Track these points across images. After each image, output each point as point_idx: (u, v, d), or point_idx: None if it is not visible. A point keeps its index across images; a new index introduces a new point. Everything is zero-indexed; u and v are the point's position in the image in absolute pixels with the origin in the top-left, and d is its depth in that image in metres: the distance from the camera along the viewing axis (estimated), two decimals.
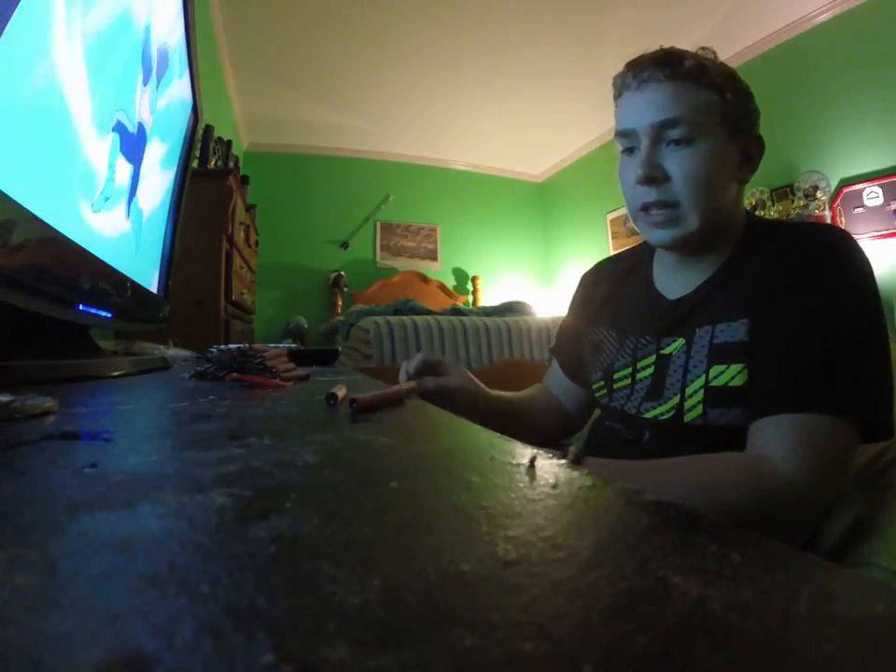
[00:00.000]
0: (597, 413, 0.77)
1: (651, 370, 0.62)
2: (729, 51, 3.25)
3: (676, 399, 0.58)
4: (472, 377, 0.78)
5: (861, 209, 2.77)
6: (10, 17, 0.39)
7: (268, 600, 0.10)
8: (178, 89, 1.03)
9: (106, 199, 0.69)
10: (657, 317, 0.65)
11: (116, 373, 0.63)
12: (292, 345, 1.84)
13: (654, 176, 0.58)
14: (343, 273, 4.61)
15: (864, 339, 0.51)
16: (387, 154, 5.03)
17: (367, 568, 0.11)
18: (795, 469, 0.46)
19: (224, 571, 0.11)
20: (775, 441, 0.49)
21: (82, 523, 0.13)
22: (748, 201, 2.99)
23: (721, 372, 0.56)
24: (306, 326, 4.08)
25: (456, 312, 3.00)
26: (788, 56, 3.20)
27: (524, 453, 0.23)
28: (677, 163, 0.57)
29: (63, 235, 0.53)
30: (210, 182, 1.97)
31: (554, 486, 0.19)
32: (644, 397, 0.62)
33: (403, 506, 0.16)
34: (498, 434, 0.28)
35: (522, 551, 0.13)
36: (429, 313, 2.85)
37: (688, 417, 0.57)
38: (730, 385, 0.55)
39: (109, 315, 0.69)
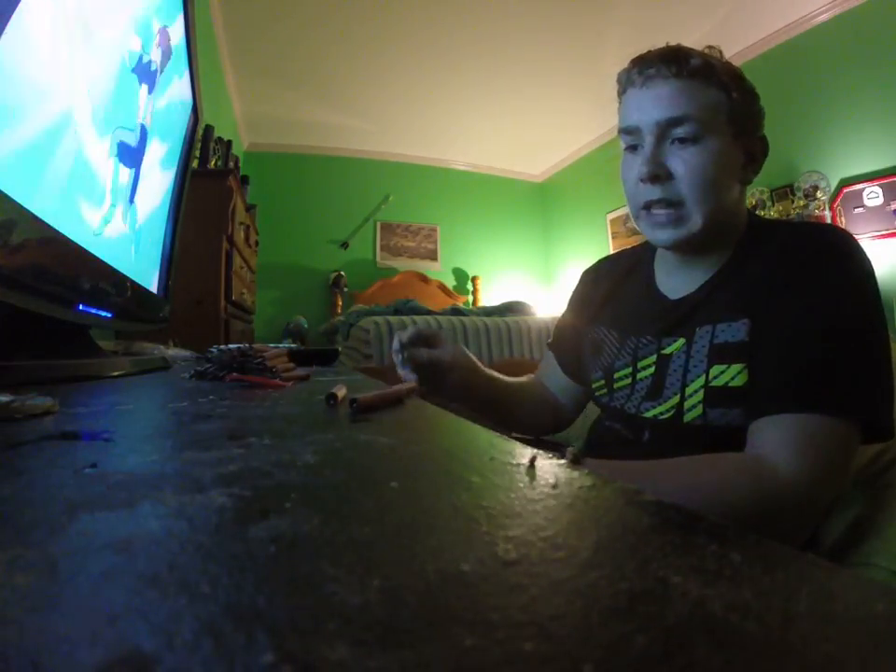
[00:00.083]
0: (595, 411, 0.76)
1: (652, 369, 0.62)
2: (729, 51, 3.23)
3: (676, 399, 0.58)
4: (467, 351, 0.77)
5: (860, 209, 2.77)
6: (10, 17, 0.39)
7: (268, 600, 0.10)
8: (178, 89, 1.03)
9: (107, 222, 0.69)
10: (658, 317, 0.64)
11: (116, 373, 0.63)
12: (292, 345, 1.84)
13: (658, 174, 0.57)
14: (342, 272, 4.61)
15: (865, 339, 0.51)
16: (387, 154, 5.03)
17: (367, 568, 0.11)
18: (796, 469, 0.46)
19: (224, 571, 0.11)
20: (775, 441, 0.49)
21: (82, 523, 0.13)
22: (748, 201, 2.99)
23: (722, 372, 0.56)
24: (306, 326, 4.08)
25: (456, 312, 3.00)
26: (788, 56, 3.20)
27: (524, 453, 0.23)
28: (682, 161, 0.57)
29: (63, 235, 0.53)
30: (210, 182, 1.97)
31: (554, 486, 0.19)
32: (644, 396, 0.62)
33: (403, 506, 0.16)
34: (498, 434, 0.28)
35: (522, 551, 0.13)
36: (429, 313, 2.85)
37: (688, 417, 0.57)
38: (730, 384, 0.55)
39: (109, 315, 0.69)
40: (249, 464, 0.20)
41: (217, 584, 0.10)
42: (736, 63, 0.61)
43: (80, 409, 0.35)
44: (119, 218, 0.75)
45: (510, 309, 3.17)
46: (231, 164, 2.68)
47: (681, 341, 0.60)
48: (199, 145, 2.03)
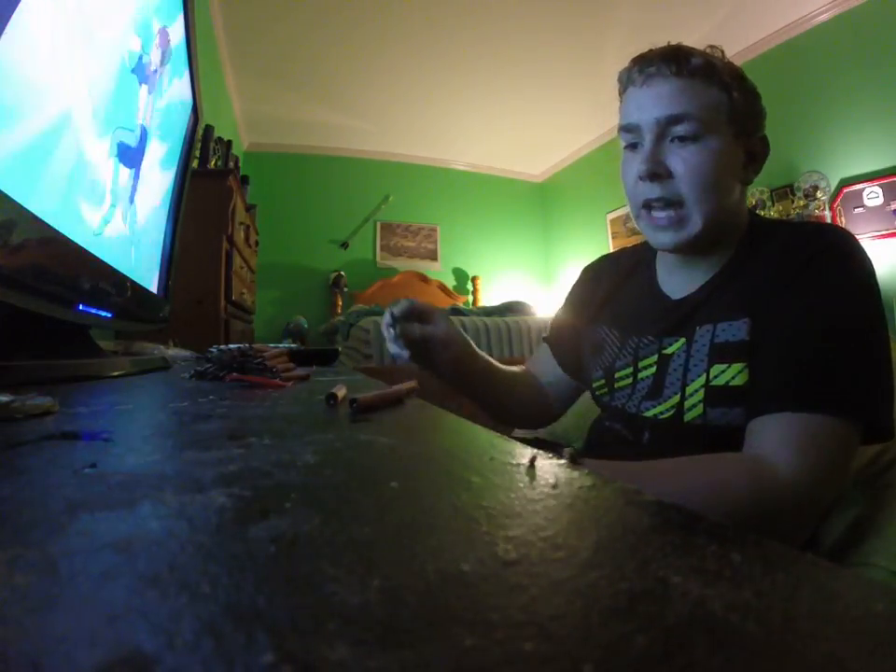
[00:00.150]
0: (595, 411, 0.76)
1: (653, 369, 0.62)
2: (729, 51, 3.21)
3: (676, 399, 0.58)
4: (460, 329, 0.74)
5: (861, 209, 2.77)
6: (10, 17, 0.39)
7: (268, 600, 0.10)
8: (178, 89, 1.03)
9: (107, 222, 0.69)
10: (660, 317, 0.64)
11: (116, 373, 0.63)
12: (292, 345, 1.84)
13: (658, 172, 0.57)
14: (342, 272, 4.61)
15: (865, 339, 0.51)
16: (387, 154, 5.03)
17: (367, 568, 0.11)
18: (796, 469, 0.46)
19: (224, 571, 0.11)
20: (775, 440, 0.49)
21: (82, 523, 0.13)
22: (748, 201, 2.98)
23: (722, 372, 0.55)
24: (306, 326, 4.08)
25: (456, 312, 3.00)
26: (788, 56, 3.20)
27: (524, 453, 0.23)
28: (682, 160, 0.56)
29: (63, 235, 0.53)
30: (210, 182, 1.97)
31: (554, 486, 0.19)
32: (644, 396, 0.62)
33: (403, 506, 0.16)
34: (498, 434, 0.28)
35: (522, 551, 0.13)
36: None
37: (688, 417, 0.57)
38: (731, 384, 0.55)
39: (109, 315, 0.69)
40: (249, 464, 0.20)
41: (216, 584, 0.10)
42: (736, 63, 0.61)
43: (80, 409, 0.35)
44: (119, 219, 0.75)
45: (510, 309, 3.17)
46: (231, 164, 2.68)
47: (682, 340, 0.60)
48: (199, 145, 2.03)
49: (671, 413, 0.59)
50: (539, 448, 0.25)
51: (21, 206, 0.44)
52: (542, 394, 0.84)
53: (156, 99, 0.86)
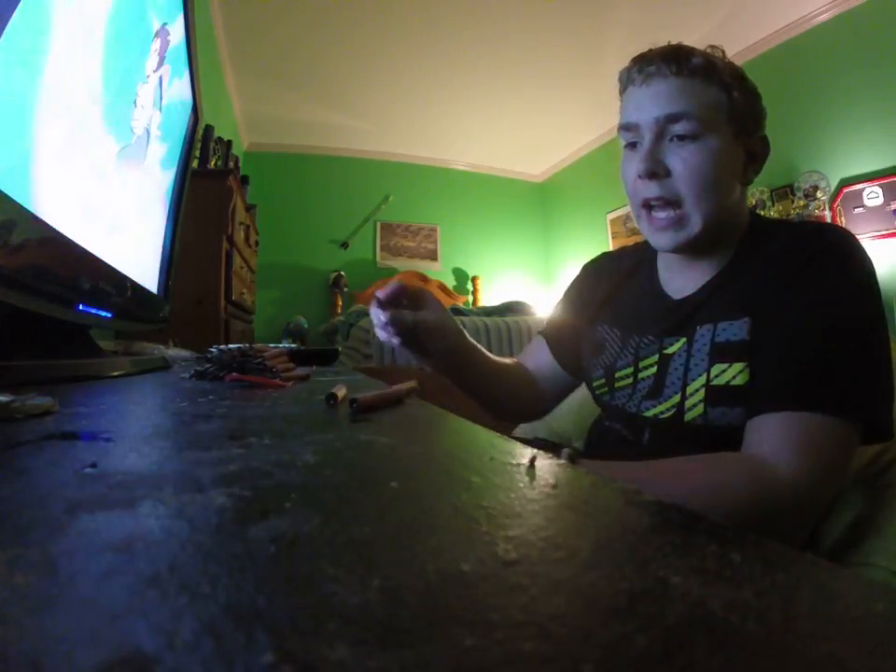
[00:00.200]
0: (595, 411, 0.76)
1: (654, 369, 0.62)
2: (729, 51, 3.21)
3: (676, 398, 0.58)
4: (452, 316, 0.71)
5: (861, 209, 2.77)
6: (10, 17, 0.39)
7: (268, 600, 0.10)
8: (178, 89, 1.03)
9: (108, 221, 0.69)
10: (660, 317, 0.64)
11: (116, 373, 0.63)
12: (292, 345, 1.84)
13: (656, 171, 0.57)
14: (342, 272, 4.61)
15: (865, 339, 0.51)
16: (387, 154, 5.03)
17: (367, 568, 0.11)
18: (795, 469, 0.46)
19: (224, 571, 0.11)
20: (774, 439, 0.49)
21: (82, 523, 0.13)
22: (747, 201, 2.99)
23: (723, 371, 0.55)
24: (306, 326, 4.08)
25: (456, 312, 3.00)
26: (788, 56, 3.20)
27: (524, 453, 0.23)
28: (680, 159, 0.56)
29: (63, 235, 0.53)
30: (210, 182, 1.97)
31: (554, 486, 0.19)
32: (645, 396, 0.62)
33: (403, 506, 0.16)
34: (498, 434, 0.28)
35: (522, 551, 0.13)
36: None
37: (688, 416, 0.57)
38: (731, 384, 0.55)
39: (109, 315, 0.69)
40: (249, 464, 0.20)
41: (216, 584, 0.10)
42: (736, 62, 0.61)
43: (80, 409, 0.35)
44: (120, 218, 0.75)
45: (510, 309, 3.17)
46: (231, 164, 2.69)
47: (682, 340, 0.60)
48: (199, 145, 2.03)
49: (671, 412, 0.59)
50: (539, 448, 0.25)
51: (21, 206, 0.44)
52: (534, 387, 0.83)
53: (156, 99, 0.86)
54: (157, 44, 0.84)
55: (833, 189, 2.92)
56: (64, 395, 0.37)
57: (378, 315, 0.63)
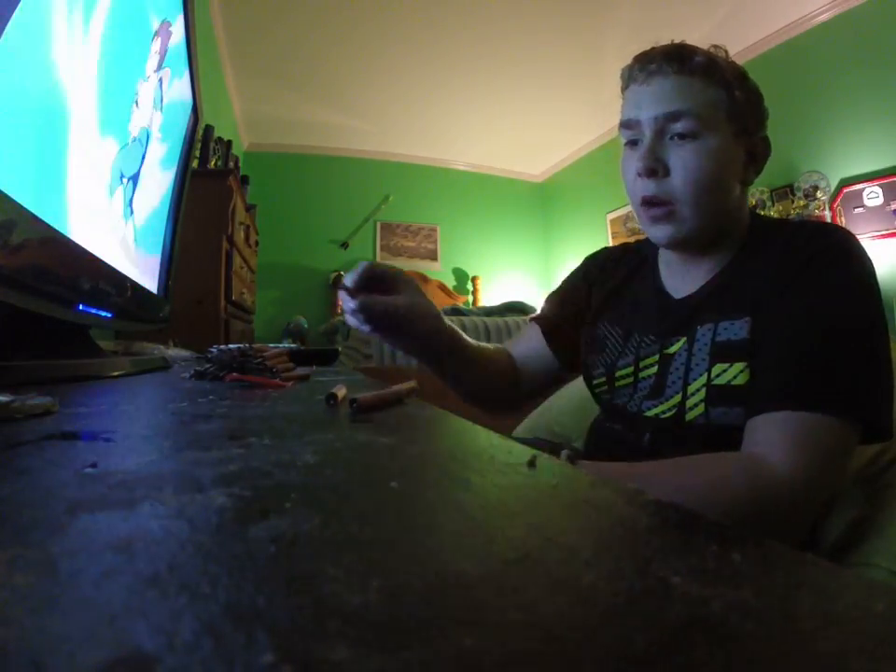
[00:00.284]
0: (595, 411, 0.76)
1: (655, 369, 0.62)
2: (729, 51, 3.25)
3: (677, 398, 0.58)
4: (429, 300, 0.66)
5: (861, 209, 2.77)
6: (10, 17, 0.39)
7: (268, 600, 0.10)
8: (178, 89, 1.03)
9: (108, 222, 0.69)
10: (662, 317, 0.64)
11: (116, 373, 0.63)
12: (292, 345, 1.84)
13: (655, 169, 0.57)
14: (343, 272, 4.60)
15: (865, 339, 0.51)
16: (387, 154, 5.03)
17: (367, 568, 0.11)
18: (793, 467, 0.46)
19: (224, 571, 0.11)
20: (773, 438, 0.49)
21: (82, 523, 0.13)
22: (748, 201, 2.99)
23: (724, 371, 0.55)
24: (306, 326, 4.08)
25: (456, 312, 3.00)
26: (788, 56, 3.20)
27: (524, 453, 0.23)
28: (679, 158, 0.56)
29: (63, 235, 0.53)
30: (210, 182, 1.97)
31: (554, 486, 0.19)
32: (646, 396, 0.62)
33: (403, 506, 0.16)
34: (498, 434, 0.28)
35: (522, 551, 0.13)
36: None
37: (689, 416, 0.57)
38: (732, 383, 0.55)
39: (109, 315, 0.69)
40: (249, 464, 0.20)
41: (216, 584, 0.10)
42: (736, 62, 0.61)
43: (80, 409, 0.35)
44: (120, 218, 0.75)
45: (509, 309, 3.17)
46: (231, 164, 2.69)
47: (683, 340, 0.60)
48: (199, 145, 2.03)
49: (672, 412, 0.59)
50: (538, 448, 0.25)
51: (21, 206, 0.44)
52: (515, 375, 0.80)
53: (156, 100, 0.86)
54: (157, 44, 0.84)
55: (833, 189, 2.92)
56: (64, 395, 0.37)
57: (347, 302, 0.59)
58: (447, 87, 3.92)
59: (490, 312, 3.15)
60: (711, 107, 0.56)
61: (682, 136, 0.56)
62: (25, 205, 0.44)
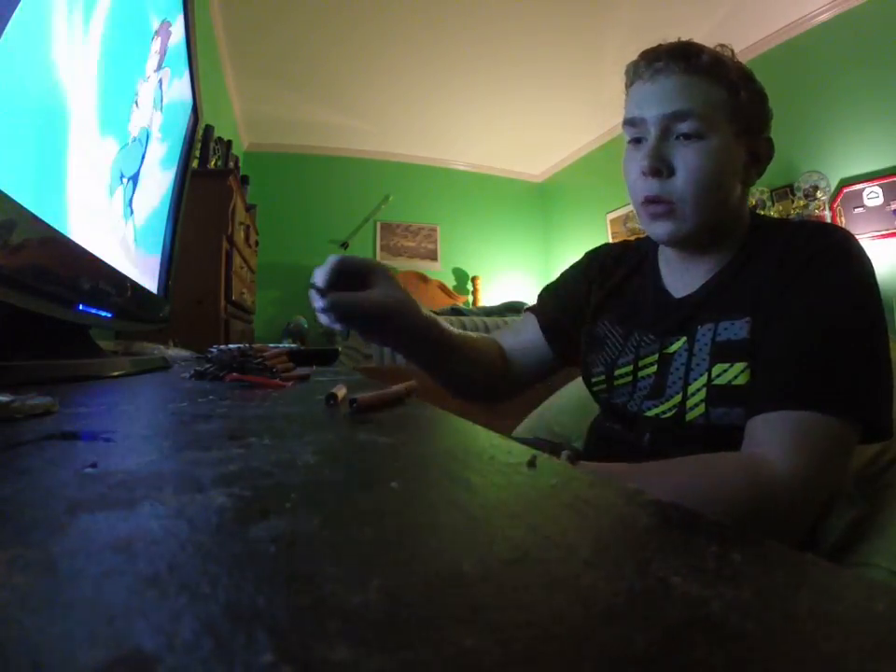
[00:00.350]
0: (595, 411, 0.76)
1: (654, 368, 0.62)
2: None
3: (678, 398, 0.58)
4: (407, 292, 0.61)
5: (861, 209, 2.77)
6: (10, 17, 0.39)
7: (268, 600, 0.10)
8: (178, 89, 1.03)
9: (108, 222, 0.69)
10: (662, 316, 0.64)
11: (116, 373, 0.63)
12: (292, 345, 1.84)
13: (660, 169, 0.57)
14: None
15: (865, 339, 0.51)
16: (387, 154, 5.03)
17: (367, 568, 0.11)
18: (792, 466, 0.46)
19: (224, 571, 0.11)
20: (773, 438, 0.49)
21: (82, 523, 0.13)
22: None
23: (725, 371, 0.55)
24: (306, 326, 4.08)
25: (456, 312, 3.00)
26: (788, 56, 3.20)
27: (524, 453, 0.23)
28: (684, 158, 0.56)
29: (63, 235, 0.53)
30: (210, 182, 1.97)
31: (554, 486, 0.19)
32: (646, 395, 0.62)
33: (403, 506, 0.16)
34: (498, 434, 0.28)
35: (522, 551, 0.13)
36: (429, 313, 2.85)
37: (690, 416, 0.57)
38: (733, 383, 0.55)
39: (109, 315, 0.69)
40: (249, 464, 0.20)
41: (216, 584, 0.10)
42: None
43: (80, 409, 0.35)
44: (120, 218, 0.75)
45: (509, 309, 3.17)
46: (231, 164, 2.69)
47: (683, 339, 0.60)
48: (199, 145, 2.03)
49: (673, 412, 0.59)
50: (538, 448, 0.25)
51: (21, 206, 0.44)
52: (504, 366, 0.78)
53: (156, 100, 0.86)
54: (157, 44, 0.84)
55: (833, 189, 2.92)
56: (64, 395, 0.37)
57: (316, 300, 0.56)
58: (447, 87, 3.92)
59: (490, 312, 3.15)
60: (717, 108, 0.56)
61: (687, 136, 0.56)
62: (25, 205, 0.44)
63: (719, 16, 3.10)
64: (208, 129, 2.26)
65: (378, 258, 4.96)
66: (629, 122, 0.61)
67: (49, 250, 0.51)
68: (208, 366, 0.61)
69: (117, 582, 0.10)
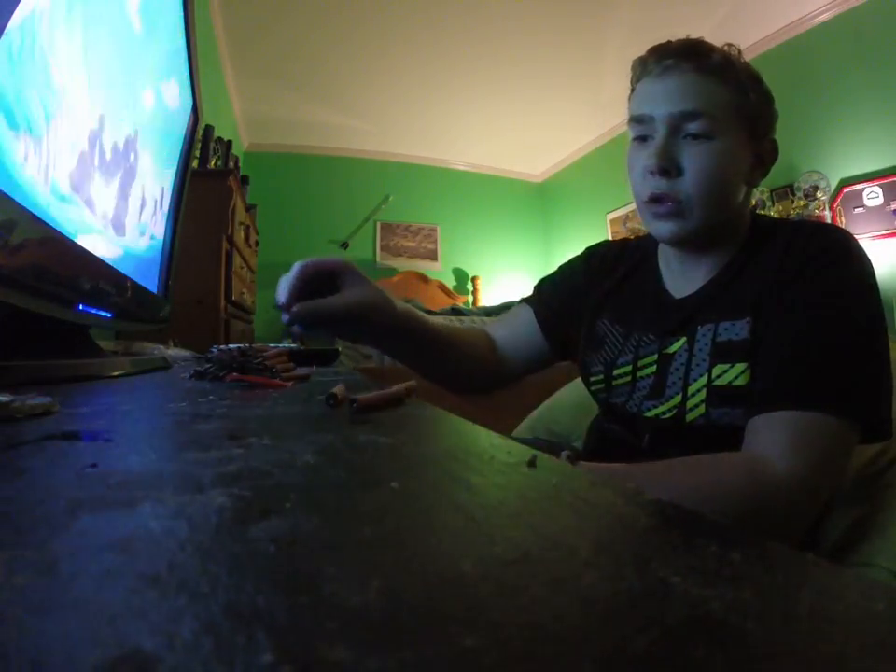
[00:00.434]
0: (594, 410, 0.76)
1: (654, 368, 0.62)
2: None
3: (678, 399, 0.58)
4: (381, 291, 0.58)
5: (861, 209, 2.77)
6: (10, 17, 0.39)
7: (268, 600, 0.10)
8: (178, 89, 1.03)
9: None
10: (662, 316, 0.64)
11: (116, 373, 0.63)
12: (292, 345, 1.84)
13: (668, 168, 0.56)
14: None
15: (865, 339, 0.51)
16: (387, 154, 5.03)
17: (367, 569, 0.11)
18: (792, 466, 0.46)
19: (224, 571, 0.11)
20: (773, 438, 0.49)
21: (82, 523, 0.13)
22: None
23: (725, 371, 0.55)
24: None
25: (456, 312, 3.00)
26: (788, 56, 3.20)
27: (524, 453, 0.23)
28: (692, 159, 0.56)
29: (63, 235, 0.53)
30: (210, 182, 1.97)
31: (554, 486, 0.19)
32: (645, 396, 0.62)
33: (403, 506, 0.16)
34: (498, 434, 0.28)
35: (522, 551, 0.13)
36: (429, 313, 2.85)
37: (690, 417, 0.57)
38: (734, 384, 0.55)
39: (109, 315, 0.69)
40: (249, 464, 0.20)
41: (216, 584, 0.10)
42: None
43: (80, 409, 0.35)
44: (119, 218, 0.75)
45: (509, 309, 3.17)
46: (231, 164, 2.69)
47: (683, 340, 0.60)
48: (199, 145, 2.03)
49: (673, 413, 0.59)
50: (538, 448, 0.25)
51: (22, 206, 0.44)
52: (493, 359, 0.77)
53: (156, 100, 0.86)
54: (157, 44, 0.84)
55: (833, 189, 2.92)
56: (64, 395, 0.37)
57: (282, 315, 0.54)
58: (447, 87, 3.92)
59: (490, 312, 3.15)
60: (726, 109, 0.55)
61: (696, 136, 0.55)
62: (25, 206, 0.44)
63: (719, 16, 3.10)
64: (208, 129, 2.26)
65: (378, 258, 4.96)
66: (636, 119, 0.60)
67: (48, 250, 0.51)
68: (208, 366, 0.61)
69: (117, 582, 0.10)
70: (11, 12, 0.39)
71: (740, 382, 0.54)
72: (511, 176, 5.56)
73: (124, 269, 0.73)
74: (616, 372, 0.66)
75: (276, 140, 4.65)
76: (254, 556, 0.12)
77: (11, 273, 0.43)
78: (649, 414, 0.61)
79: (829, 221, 2.85)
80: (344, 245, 4.83)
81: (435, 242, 5.19)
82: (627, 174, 0.63)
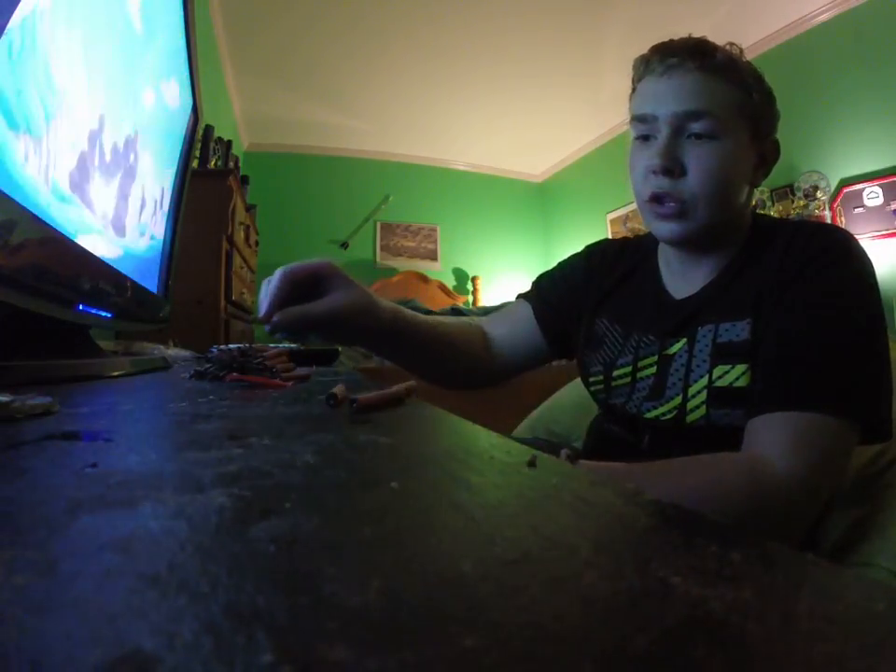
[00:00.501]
0: (594, 411, 0.76)
1: (654, 369, 0.62)
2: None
3: (678, 400, 0.58)
4: (367, 292, 0.57)
5: (861, 209, 2.77)
6: (10, 17, 0.39)
7: (268, 600, 0.10)
8: (178, 89, 1.03)
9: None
10: (662, 317, 0.64)
11: (116, 373, 0.63)
12: (292, 345, 1.84)
13: (671, 169, 0.56)
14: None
15: (865, 340, 0.51)
16: (387, 154, 5.03)
17: (367, 569, 0.11)
18: (792, 466, 0.46)
19: (224, 571, 0.11)
20: (773, 438, 0.49)
21: (82, 523, 0.13)
22: None
23: (726, 373, 0.55)
24: None
25: (456, 312, 3.00)
26: (788, 56, 3.20)
27: (524, 453, 0.23)
28: (696, 158, 0.55)
29: (63, 235, 0.53)
30: (210, 182, 1.97)
31: (554, 486, 0.19)
32: (645, 397, 0.62)
33: (403, 506, 0.16)
34: (498, 434, 0.28)
35: (522, 550, 0.13)
36: (429, 313, 2.85)
37: (690, 418, 0.57)
38: (734, 385, 0.55)
39: (109, 315, 0.69)
40: (249, 464, 0.20)
41: (216, 584, 0.10)
42: None
43: (80, 409, 0.35)
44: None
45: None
46: (231, 164, 2.68)
47: (683, 340, 0.60)
48: (199, 145, 2.03)
49: (673, 414, 0.58)
50: (538, 448, 0.25)
51: (22, 206, 0.44)
52: (487, 354, 0.76)
53: (156, 101, 0.86)
54: (157, 43, 0.84)
55: (833, 189, 2.92)
56: (64, 395, 0.37)
57: (266, 325, 0.52)
58: (447, 86, 3.92)
59: (489, 312, 3.14)
60: (730, 108, 0.55)
61: (700, 136, 0.55)
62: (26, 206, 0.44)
63: (719, 15, 3.09)
64: (208, 129, 2.26)
65: (378, 258, 4.96)
66: (639, 119, 0.59)
67: (48, 250, 0.51)
68: (208, 366, 0.61)
69: (117, 582, 0.10)
70: (11, 12, 0.39)
71: (741, 383, 0.54)
72: (511, 176, 5.56)
73: (124, 269, 0.73)
74: (616, 373, 0.66)
75: (276, 140, 4.65)
76: (254, 556, 0.12)
77: (11, 273, 0.43)
78: (649, 415, 0.61)
79: (829, 221, 2.85)
80: (344, 246, 4.83)
81: (435, 242, 5.19)
82: (628, 173, 0.62)
